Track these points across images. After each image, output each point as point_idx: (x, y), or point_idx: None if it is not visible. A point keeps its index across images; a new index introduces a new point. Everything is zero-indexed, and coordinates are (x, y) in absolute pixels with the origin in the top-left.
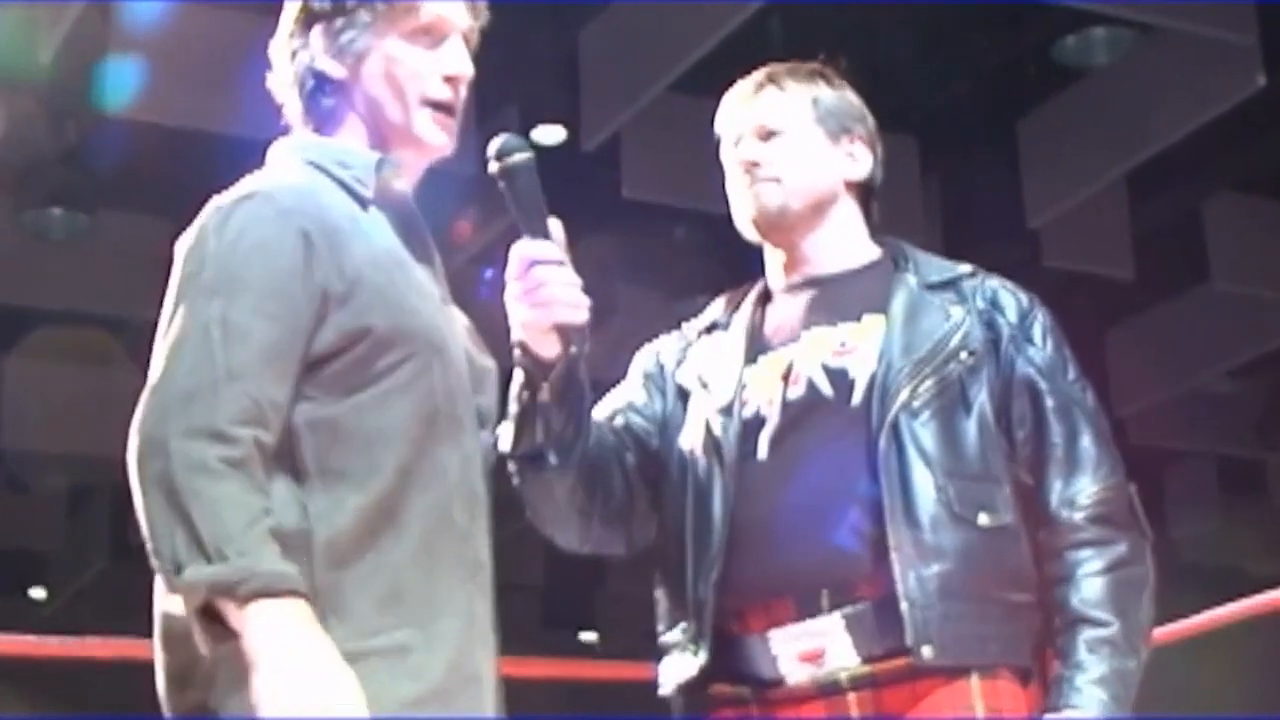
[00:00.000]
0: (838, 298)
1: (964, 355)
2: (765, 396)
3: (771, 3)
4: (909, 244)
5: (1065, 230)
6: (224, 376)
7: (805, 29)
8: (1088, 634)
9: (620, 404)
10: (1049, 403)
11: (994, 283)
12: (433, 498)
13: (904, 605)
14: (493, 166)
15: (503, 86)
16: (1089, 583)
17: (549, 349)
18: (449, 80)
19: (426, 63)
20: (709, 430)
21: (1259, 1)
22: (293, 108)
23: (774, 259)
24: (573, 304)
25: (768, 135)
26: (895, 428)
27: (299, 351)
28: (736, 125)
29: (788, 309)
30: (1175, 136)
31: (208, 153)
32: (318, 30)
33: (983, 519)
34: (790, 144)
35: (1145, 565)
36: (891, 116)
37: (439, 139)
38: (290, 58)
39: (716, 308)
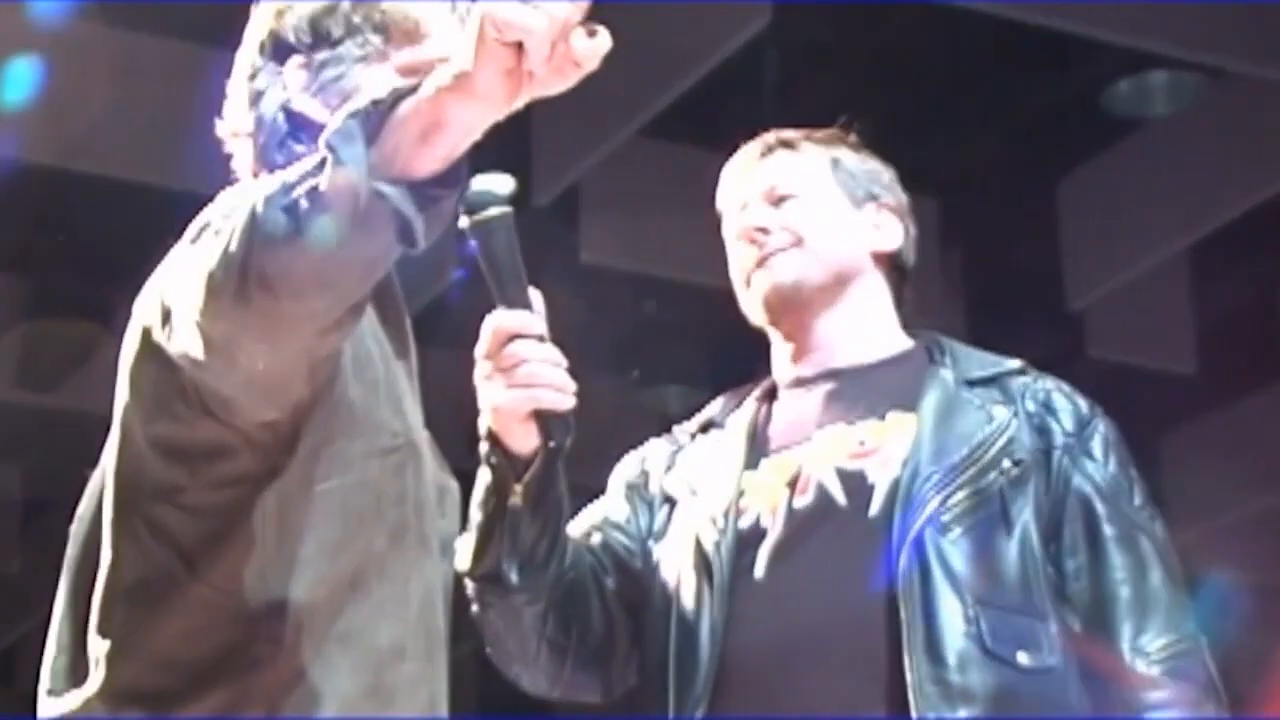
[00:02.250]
0: (859, 392)
1: (1007, 464)
2: (767, 505)
3: (767, 25)
4: (944, 336)
5: (1114, 314)
6: None
7: (803, 66)
8: None
9: (598, 519)
10: (1109, 530)
11: (1048, 383)
12: (407, 574)
13: None
14: (462, 221)
15: None
16: None
17: (524, 442)
18: None
19: None
20: (698, 545)
21: None
22: (246, 156)
23: (783, 350)
24: (556, 387)
25: (779, 199)
26: (919, 544)
27: None
28: (740, 192)
29: (798, 406)
30: (1249, 203)
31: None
32: (294, 64)
33: (1022, 658)
34: (808, 206)
35: None
36: (907, 175)
37: None
38: (254, 99)
39: (714, 406)
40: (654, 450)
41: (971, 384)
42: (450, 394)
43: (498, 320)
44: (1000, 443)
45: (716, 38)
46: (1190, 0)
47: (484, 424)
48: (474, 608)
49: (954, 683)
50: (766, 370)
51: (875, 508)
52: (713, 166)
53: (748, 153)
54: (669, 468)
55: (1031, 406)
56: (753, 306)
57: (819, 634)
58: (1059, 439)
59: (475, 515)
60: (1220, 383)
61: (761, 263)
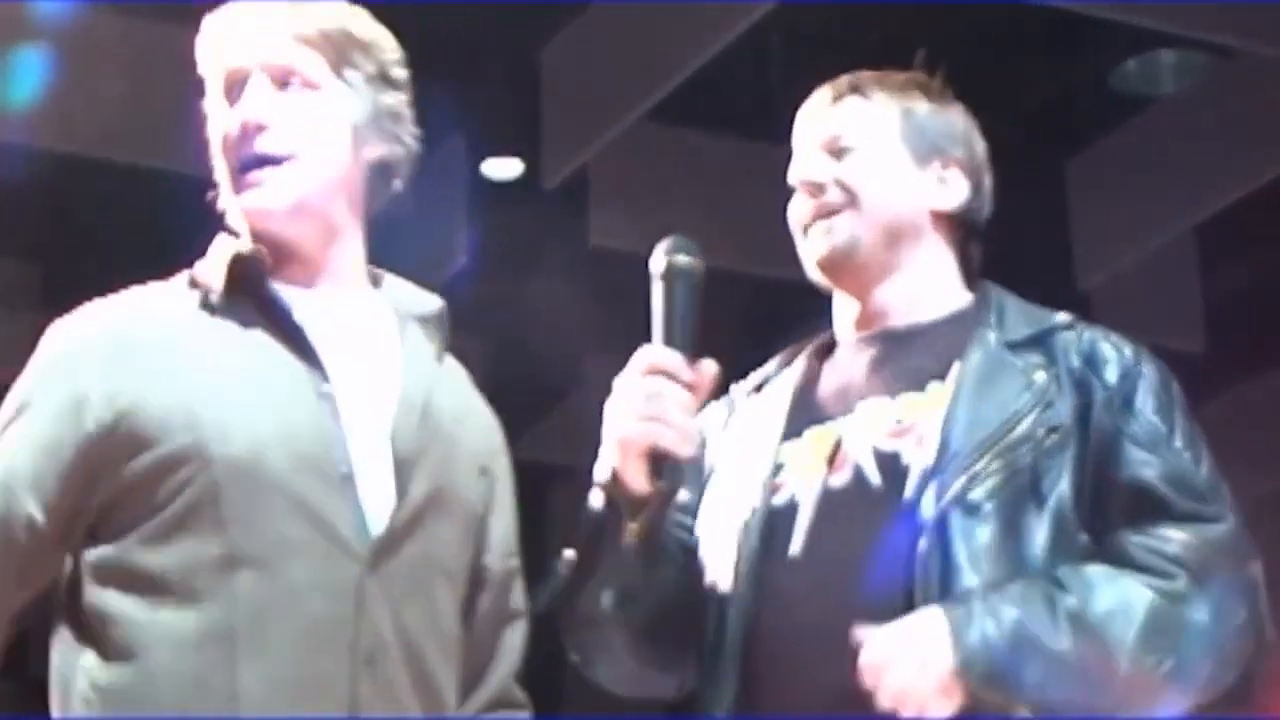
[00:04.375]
0: (904, 359)
1: (1041, 434)
2: (805, 481)
3: (773, 11)
4: (1005, 290)
5: (1123, 293)
6: None
7: (812, 48)
8: (1051, 586)
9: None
10: (1149, 474)
11: (1095, 334)
12: (219, 637)
13: None
14: (658, 260)
15: (448, 111)
16: (1130, 587)
17: (638, 480)
18: (243, 126)
19: (226, 122)
20: (733, 519)
21: None
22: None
23: (839, 306)
24: (683, 433)
25: (840, 151)
26: (943, 526)
27: (48, 498)
28: (805, 138)
29: (847, 369)
30: (1257, 181)
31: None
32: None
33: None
34: (867, 161)
35: (1229, 651)
36: None
37: (251, 202)
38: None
39: (771, 364)
40: (712, 415)
41: (1015, 345)
42: None
43: (650, 354)
44: (1035, 412)
45: (724, 22)
46: None
47: (607, 458)
48: (565, 628)
49: None
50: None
51: (909, 490)
52: (720, 151)
53: (821, 95)
54: (723, 431)
55: (1075, 362)
56: (808, 262)
57: (843, 619)
58: (1099, 393)
59: (581, 546)
60: (1228, 362)
61: (815, 219)
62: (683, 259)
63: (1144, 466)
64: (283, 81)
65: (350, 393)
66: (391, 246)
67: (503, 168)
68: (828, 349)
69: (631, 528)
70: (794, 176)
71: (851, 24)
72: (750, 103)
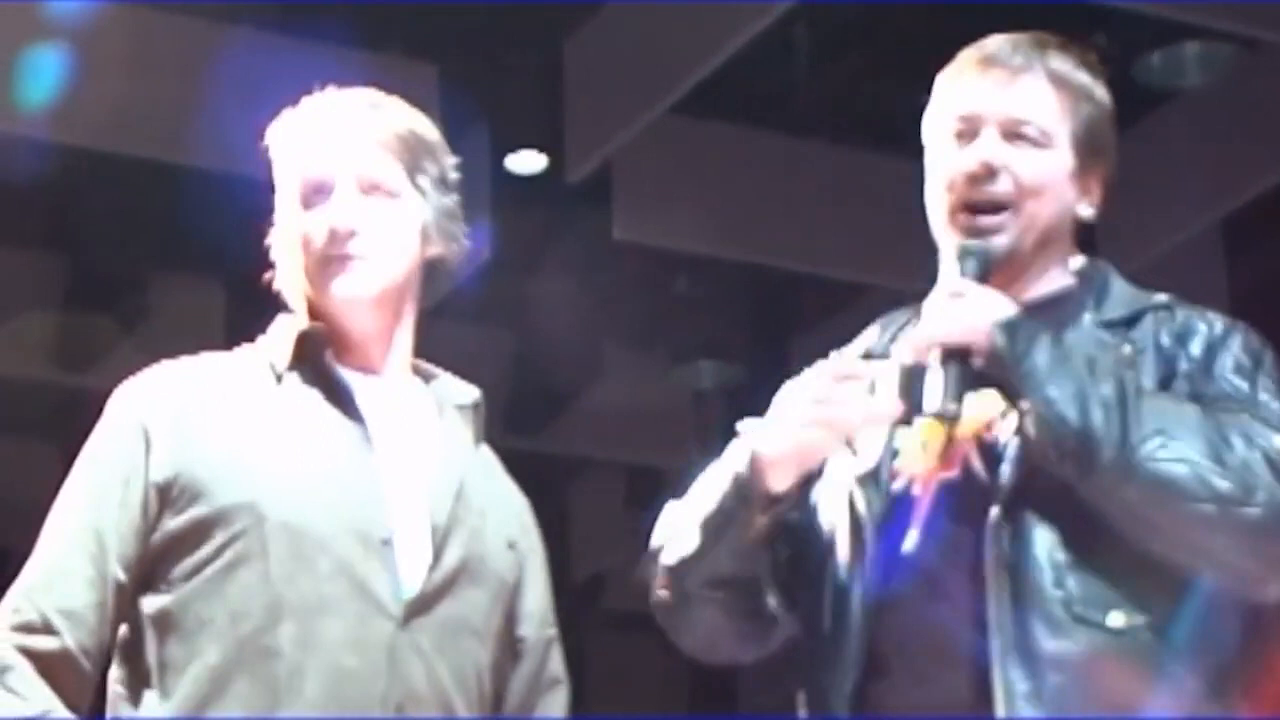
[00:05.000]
0: None
1: None
2: (918, 473)
3: (797, 4)
4: (1111, 269)
5: (1148, 286)
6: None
7: (835, 41)
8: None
9: None
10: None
11: (1191, 313)
12: (264, 683)
13: None
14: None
15: (472, 105)
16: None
17: (782, 481)
18: (333, 234)
19: (313, 223)
20: (852, 506)
21: None
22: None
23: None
24: (836, 433)
25: (1017, 137)
26: (1019, 507)
27: (126, 549)
28: (977, 99)
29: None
30: None
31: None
32: (277, 218)
33: (1114, 620)
34: (1045, 162)
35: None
36: None
37: (340, 291)
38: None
39: (871, 334)
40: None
41: (1111, 325)
42: (475, 368)
43: (845, 362)
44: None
45: (747, 15)
46: None
47: (754, 446)
48: (661, 598)
49: (1040, 651)
50: (800, 346)
51: (1005, 478)
52: (743, 143)
53: (1001, 54)
54: None
55: (1166, 340)
56: (947, 234)
57: (956, 620)
58: (1183, 364)
59: (699, 525)
60: None
61: (977, 206)
62: None
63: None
64: (368, 188)
65: (394, 468)
66: None
67: (526, 162)
68: None
69: (761, 521)
70: (955, 140)
71: (874, 17)
72: (773, 96)
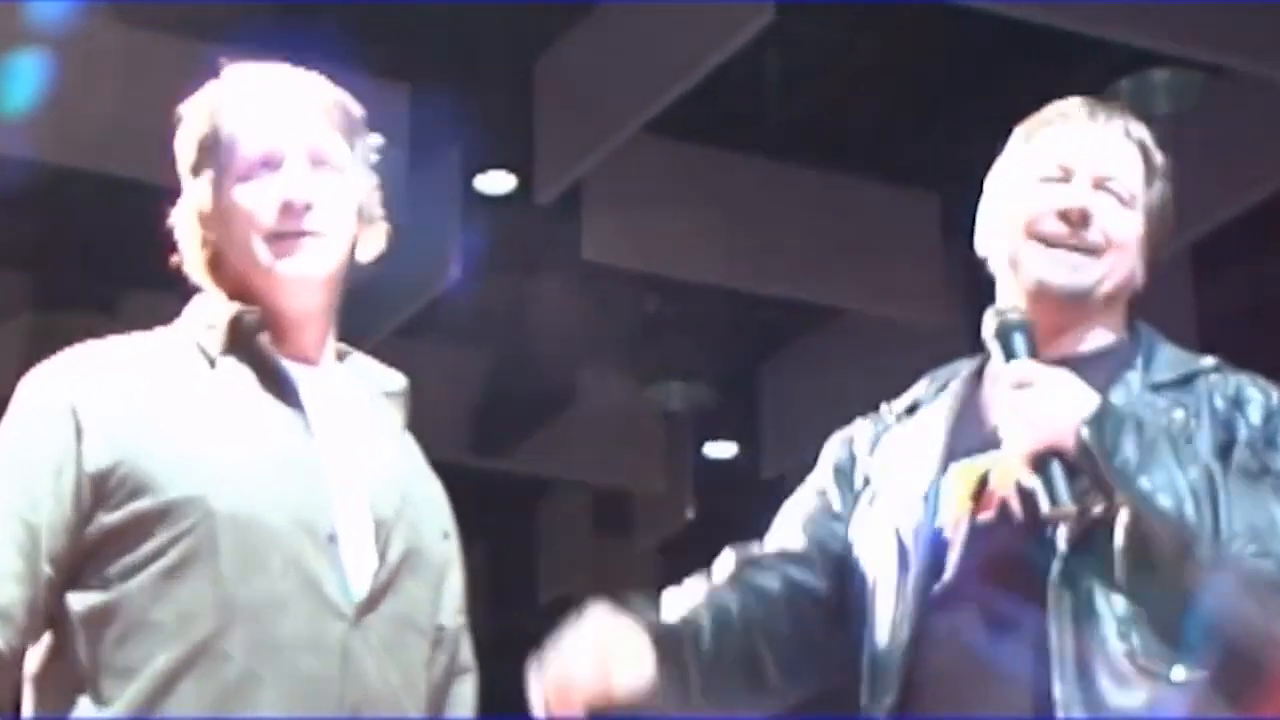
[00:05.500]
0: None
1: None
2: (953, 517)
3: (772, 22)
4: (1156, 333)
5: None
6: None
7: (810, 62)
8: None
9: (811, 509)
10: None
11: (1242, 378)
12: (215, 688)
13: None
14: (990, 325)
15: (442, 125)
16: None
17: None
18: (285, 207)
19: (261, 196)
20: (896, 551)
21: None
22: (198, 274)
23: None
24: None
25: (1109, 192)
26: (1079, 558)
27: (56, 544)
28: (1072, 151)
29: (985, 396)
30: (1250, 200)
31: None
32: (191, 196)
33: (1177, 674)
34: (1130, 218)
35: None
36: (909, 168)
37: (284, 268)
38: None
39: (920, 386)
40: (860, 431)
41: (1159, 387)
42: (445, 389)
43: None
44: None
45: (720, 36)
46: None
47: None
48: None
49: (1104, 702)
50: (771, 368)
51: (1049, 528)
52: (714, 165)
53: (1099, 112)
54: (873, 448)
55: (1220, 404)
56: (1034, 276)
57: (991, 659)
58: (1243, 432)
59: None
60: None
61: (1067, 248)
62: (1014, 317)
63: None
64: (317, 161)
65: (333, 458)
66: (385, 260)
67: (496, 182)
68: (979, 375)
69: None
70: (1044, 183)
71: (847, 42)
72: (745, 118)
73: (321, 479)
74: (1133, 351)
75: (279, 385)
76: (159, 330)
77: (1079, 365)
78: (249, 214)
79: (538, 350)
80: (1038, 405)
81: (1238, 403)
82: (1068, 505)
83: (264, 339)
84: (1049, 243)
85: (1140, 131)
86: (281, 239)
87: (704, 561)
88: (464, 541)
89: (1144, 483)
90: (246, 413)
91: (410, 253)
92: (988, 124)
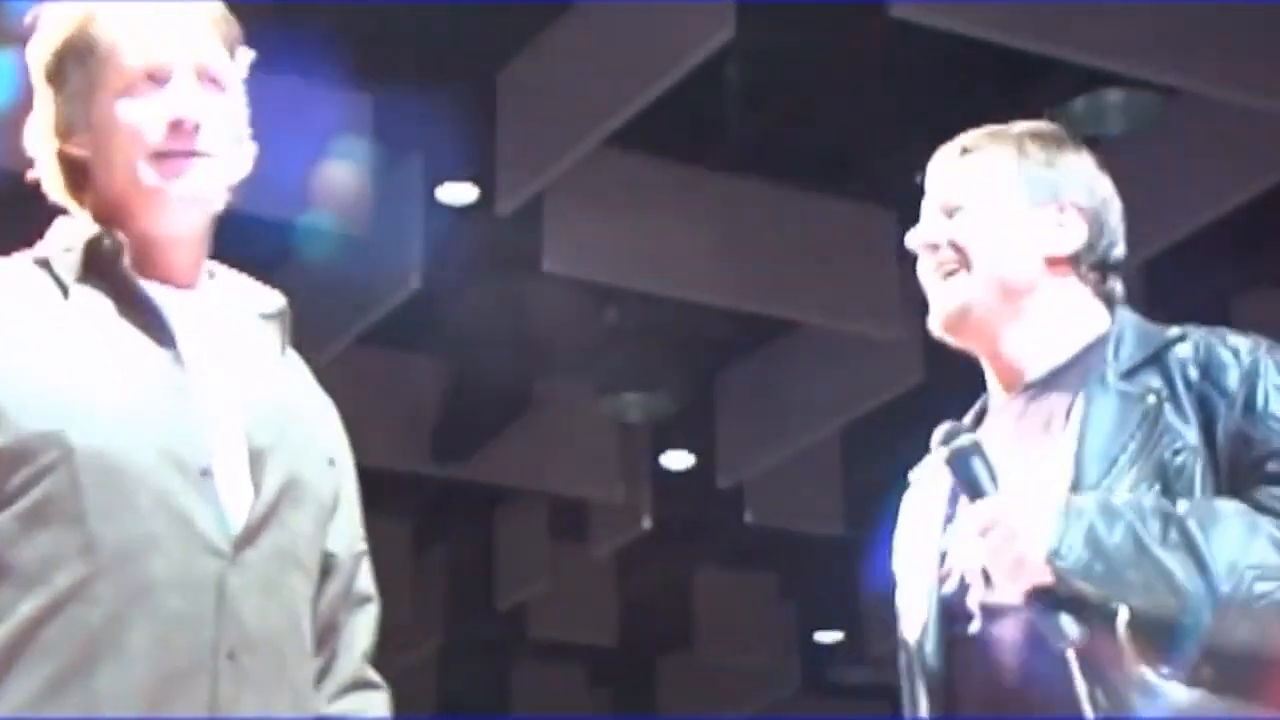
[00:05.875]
0: (1038, 412)
1: (1165, 460)
2: (963, 566)
3: (733, 37)
4: (1131, 315)
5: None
6: None
7: (769, 78)
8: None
9: None
10: (1272, 466)
11: (1210, 340)
12: (79, 634)
13: None
14: (940, 452)
15: (404, 135)
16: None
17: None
18: (175, 125)
19: (148, 112)
20: (912, 618)
21: None
22: (57, 195)
23: (986, 368)
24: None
25: (951, 211)
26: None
27: None
28: (926, 202)
29: (994, 436)
30: (1202, 221)
31: None
32: (53, 109)
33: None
34: (976, 220)
35: None
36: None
37: (173, 189)
38: (38, 143)
39: (937, 436)
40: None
41: (1131, 372)
42: (404, 396)
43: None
44: (1152, 444)
45: (681, 50)
46: (1162, 10)
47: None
48: None
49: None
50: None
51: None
52: (675, 177)
53: (938, 157)
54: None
55: (1194, 375)
56: (931, 323)
57: (1016, 695)
58: (1221, 408)
59: None
60: None
61: (932, 281)
62: (963, 441)
63: (1273, 460)
64: (204, 79)
65: (207, 388)
66: (347, 269)
67: (457, 193)
68: (981, 415)
69: None
70: (910, 239)
71: (806, 58)
72: (705, 132)
73: (193, 409)
74: (1105, 344)
75: (143, 311)
76: (14, 255)
77: (1059, 376)
78: (133, 131)
79: (497, 360)
80: (1007, 552)
81: (1209, 371)
82: (1076, 636)
83: (126, 263)
84: (927, 283)
85: (971, 139)
86: (168, 159)
87: (660, 570)
88: (423, 548)
89: (1133, 598)
90: (107, 341)
91: (372, 262)
92: (943, 140)
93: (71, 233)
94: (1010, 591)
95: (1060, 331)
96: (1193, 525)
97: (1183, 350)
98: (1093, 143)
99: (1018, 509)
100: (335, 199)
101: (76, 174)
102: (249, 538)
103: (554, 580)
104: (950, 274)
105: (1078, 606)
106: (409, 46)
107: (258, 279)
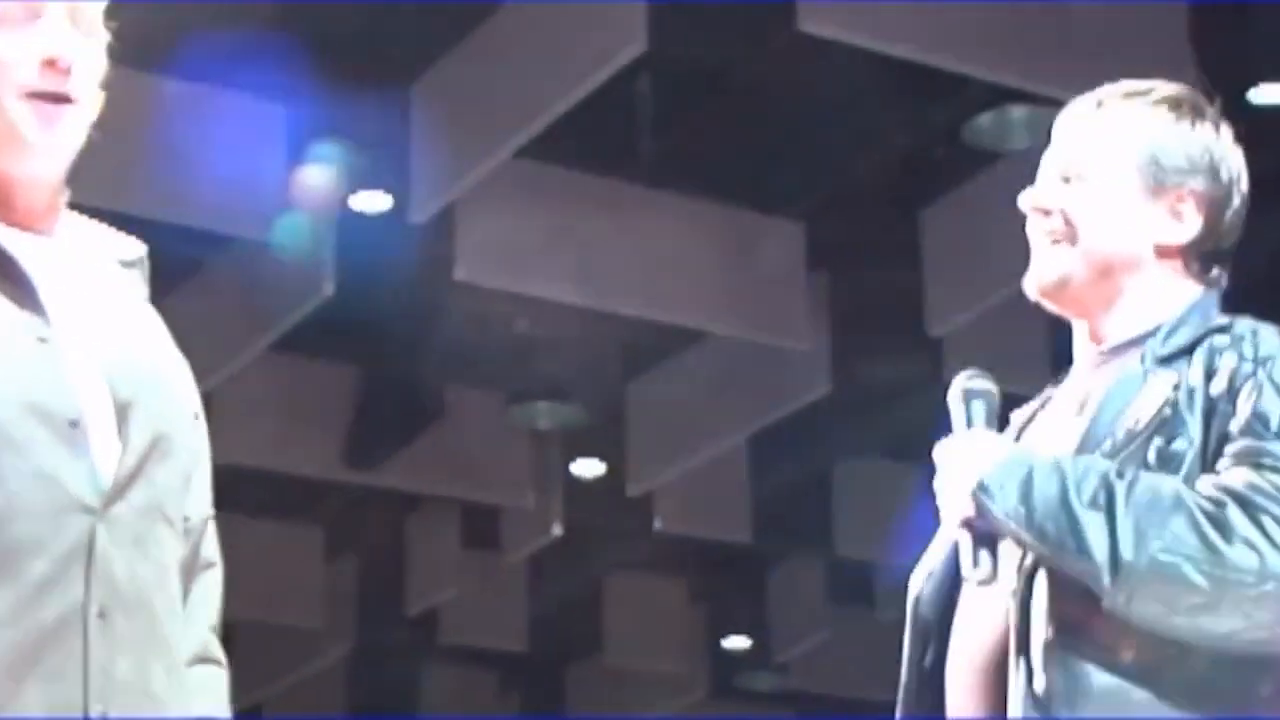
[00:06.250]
0: (1084, 385)
1: (1159, 443)
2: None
3: (645, 51)
4: (1206, 303)
5: (972, 340)
6: None
7: (680, 91)
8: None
9: None
10: (1240, 441)
11: (1239, 330)
12: None
13: None
14: (958, 390)
15: (319, 144)
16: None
17: None
18: (49, 64)
19: (18, 49)
20: (924, 571)
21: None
22: None
23: (1074, 326)
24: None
25: (1071, 178)
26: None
27: None
28: (1046, 159)
29: (1061, 397)
30: None
31: None
32: None
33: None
34: (1093, 194)
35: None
36: (775, 198)
37: (43, 132)
38: None
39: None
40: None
41: (1166, 359)
42: (317, 403)
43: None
44: (1148, 430)
45: (593, 64)
46: (1065, 30)
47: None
48: None
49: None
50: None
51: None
52: (587, 188)
53: (1070, 110)
54: None
55: (1218, 365)
56: (1028, 286)
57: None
58: (1221, 406)
59: None
60: None
61: (1038, 243)
62: (985, 384)
63: (1237, 449)
64: (77, 21)
65: (71, 338)
66: (261, 276)
67: (371, 201)
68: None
69: None
70: (1024, 199)
71: (717, 71)
72: (616, 144)
73: (56, 359)
74: (1162, 328)
75: (3, 264)
76: None
77: (1108, 358)
78: (5, 65)
79: (410, 367)
80: (948, 482)
81: (1230, 365)
82: (984, 570)
83: None
84: (1033, 243)
85: (1105, 96)
86: (39, 99)
87: (570, 576)
88: (334, 553)
89: (1038, 532)
90: None
91: (285, 269)
92: (853, 155)
93: None
94: (949, 523)
95: (1148, 311)
96: (1120, 491)
97: (1219, 340)
98: (998, 157)
99: (968, 446)
100: (249, 207)
101: None
102: (118, 492)
103: (465, 586)
104: (1055, 242)
105: (996, 547)
106: (324, 57)
107: (172, 286)
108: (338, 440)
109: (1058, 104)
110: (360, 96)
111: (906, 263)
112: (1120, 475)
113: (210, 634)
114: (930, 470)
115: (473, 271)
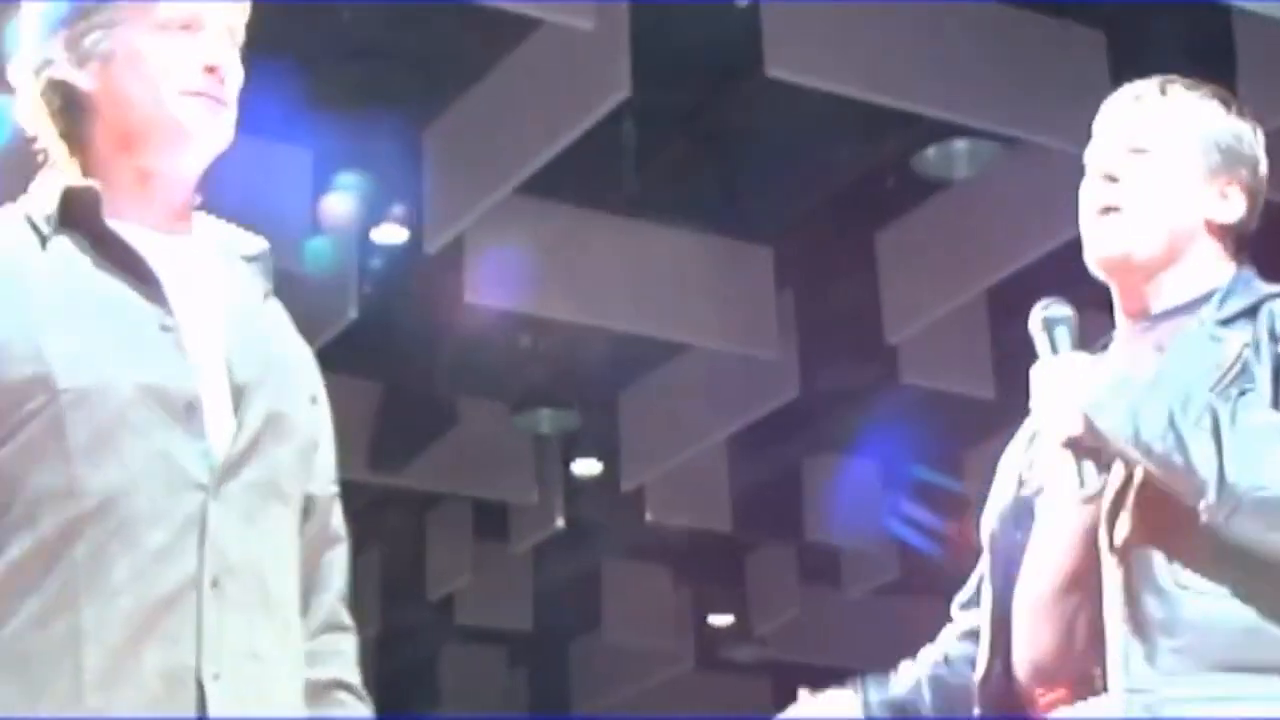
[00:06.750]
0: (1139, 347)
1: (1234, 394)
2: (1047, 474)
3: (626, 98)
4: (1249, 273)
5: (924, 347)
6: None
7: (659, 134)
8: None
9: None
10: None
11: None
12: (63, 571)
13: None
14: (1038, 319)
15: (343, 185)
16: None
17: None
18: (210, 70)
19: (182, 53)
20: (994, 516)
21: None
22: (45, 136)
23: (1117, 295)
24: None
25: (1138, 150)
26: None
27: None
28: (1107, 130)
29: (1111, 359)
30: (1039, 252)
31: None
32: (58, 40)
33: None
34: (1159, 168)
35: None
36: (746, 225)
37: (206, 125)
38: (34, 77)
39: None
40: None
41: (1228, 321)
42: (343, 414)
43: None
44: (1224, 383)
45: (580, 110)
46: (1002, 69)
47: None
48: None
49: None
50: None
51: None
52: (580, 219)
53: (1127, 92)
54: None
55: (1277, 325)
56: (1087, 250)
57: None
58: (1273, 357)
59: None
60: (1016, 406)
61: (1102, 211)
62: (1064, 311)
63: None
64: (231, 35)
65: (191, 326)
66: (291, 303)
67: (390, 234)
68: (1107, 344)
69: None
70: (1092, 163)
71: (694, 114)
72: (605, 180)
73: (176, 347)
74: (1216, 294)
75: (123, 254)
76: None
77: (1156, 324)
78: (165, 66)
79: (425, 381)
80: (1054, 400)
81: (1273, 326)
82: (1090, 485)
83: (103, 212)
84: (1092, 213)
85: (1167, 82)
86: (194, 100)
87: (571, 563)
88: (362, 547)
89: (1146, 449)
90: (89, 286)
91: (315, 295)
92: (814, 185)
93: (51, 185)
94: (1051, 441)
95: (1198, 279)
96: (1225, 417)
97: (1277, 306)
98: (944, 185)
99: (1067, 368)
100: (280, 239)
101: (74, 107)
102: (230, 470)
103: (478, 574)
104: (1108, 211)
105: (1100, 464)
106: (345, 107)
107: None
108: (363, 446)
109: (995, 137)
110: (378, 140)
111: (864, 280)
112: (1225, 400)
113: (339, 603)
114: (888, 466)
115: (480, 295)
